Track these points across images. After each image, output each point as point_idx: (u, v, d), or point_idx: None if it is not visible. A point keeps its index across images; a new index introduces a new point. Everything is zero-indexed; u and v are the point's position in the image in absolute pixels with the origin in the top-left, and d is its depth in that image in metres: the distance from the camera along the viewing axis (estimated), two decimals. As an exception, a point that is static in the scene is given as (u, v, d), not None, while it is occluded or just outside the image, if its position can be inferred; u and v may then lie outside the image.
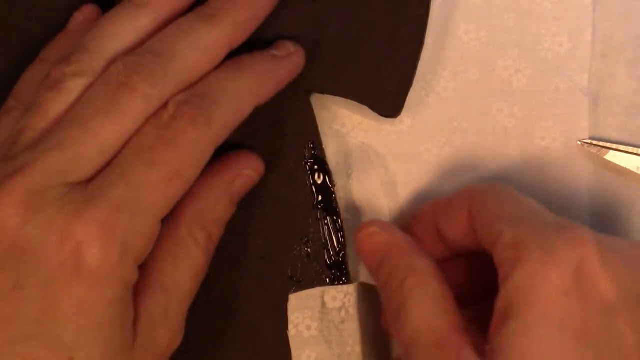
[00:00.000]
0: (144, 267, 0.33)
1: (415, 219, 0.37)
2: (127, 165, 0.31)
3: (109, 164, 0.32)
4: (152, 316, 0.32)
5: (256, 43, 0.37)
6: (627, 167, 0.38)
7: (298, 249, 0.38)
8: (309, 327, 0.38)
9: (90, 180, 0.31)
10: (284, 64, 0.36)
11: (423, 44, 0.38)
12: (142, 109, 0.32)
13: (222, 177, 0.35)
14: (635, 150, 0.38)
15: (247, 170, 0.36)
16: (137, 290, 0.32)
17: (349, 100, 0.38)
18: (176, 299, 0.33)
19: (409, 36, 0.38)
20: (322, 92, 0.38)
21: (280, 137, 0.38)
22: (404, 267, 0.33)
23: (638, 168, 0.38)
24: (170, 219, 0.34)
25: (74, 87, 0.33)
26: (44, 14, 0.38)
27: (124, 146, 0.32)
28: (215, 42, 0.34)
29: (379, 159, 0.39)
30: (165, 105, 0.33)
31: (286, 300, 0.38)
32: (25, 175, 0.31)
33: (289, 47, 0.37)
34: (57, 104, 0.33)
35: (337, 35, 0.38)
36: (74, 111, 0.32)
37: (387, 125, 0.39)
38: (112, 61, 0.33)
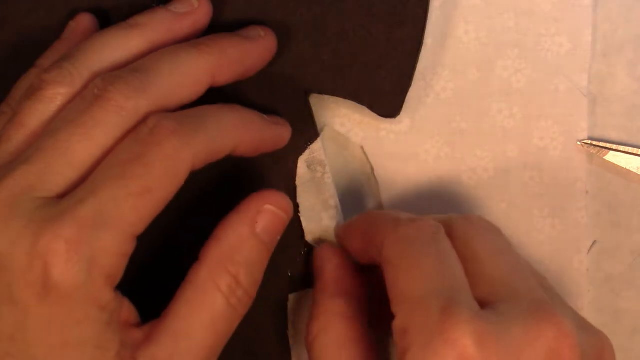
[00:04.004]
0: (165, 311, 0.32)
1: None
2: (99, 180, 0.30)
3: (85, 179, 0.31)
4: None
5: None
6: (627, 167, 0.38)
7: (298, 248, 0.38)
8: (308, 327, 0.39)
9: (64, 194, 0.31)
10: (274, 128, 0.36)
11: (422, 44, 0.38)
12: (115, 122, 0.31)
13: (242, 215, 0.34)
14: (635, 150, 0.38)
15: (268, 206, 0.34)
16: (148, 332, 0.32)
17: (348, 100, 0.38)
18: (186, 348, 0.31)
19: (407, 36, 0.38)
20: (320, 93, 0.38)
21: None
22: (317, 307, 0.35)
23: (638, 168, 0.38)
24: (195, 262, 0.33)
25: (52, 95, 0.32)
26: (43, 18, 0.38)
27: (100, 161, 0.31)
28: (198, 69, 0.33)
29: (378, 158, 0.39)
30: (145, 120, 0.31)
31: (286, 299, 0.38)
32: None
33: (279, 121, 0.37)
34: (34, 113, 0.32)
35: (335, 36, 0.38)
36: (49, 125, 0.32)
37: (386, 125, 0.39)
38: (96, 75, 0.33)
